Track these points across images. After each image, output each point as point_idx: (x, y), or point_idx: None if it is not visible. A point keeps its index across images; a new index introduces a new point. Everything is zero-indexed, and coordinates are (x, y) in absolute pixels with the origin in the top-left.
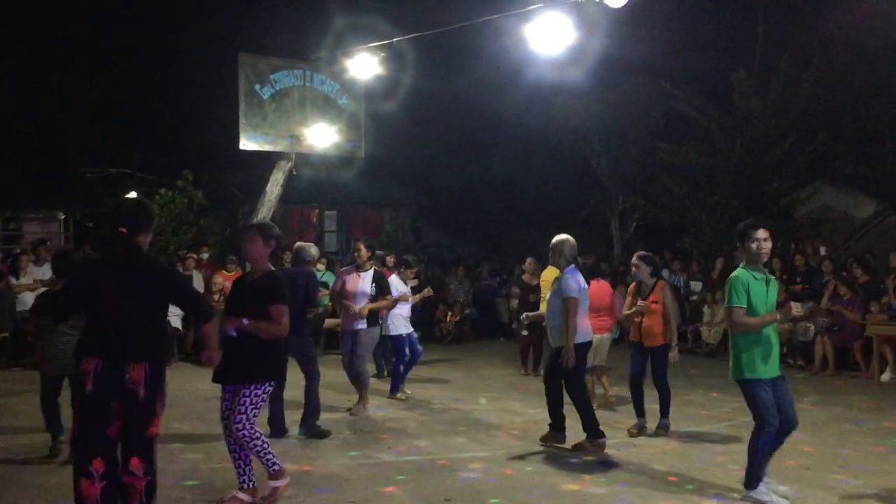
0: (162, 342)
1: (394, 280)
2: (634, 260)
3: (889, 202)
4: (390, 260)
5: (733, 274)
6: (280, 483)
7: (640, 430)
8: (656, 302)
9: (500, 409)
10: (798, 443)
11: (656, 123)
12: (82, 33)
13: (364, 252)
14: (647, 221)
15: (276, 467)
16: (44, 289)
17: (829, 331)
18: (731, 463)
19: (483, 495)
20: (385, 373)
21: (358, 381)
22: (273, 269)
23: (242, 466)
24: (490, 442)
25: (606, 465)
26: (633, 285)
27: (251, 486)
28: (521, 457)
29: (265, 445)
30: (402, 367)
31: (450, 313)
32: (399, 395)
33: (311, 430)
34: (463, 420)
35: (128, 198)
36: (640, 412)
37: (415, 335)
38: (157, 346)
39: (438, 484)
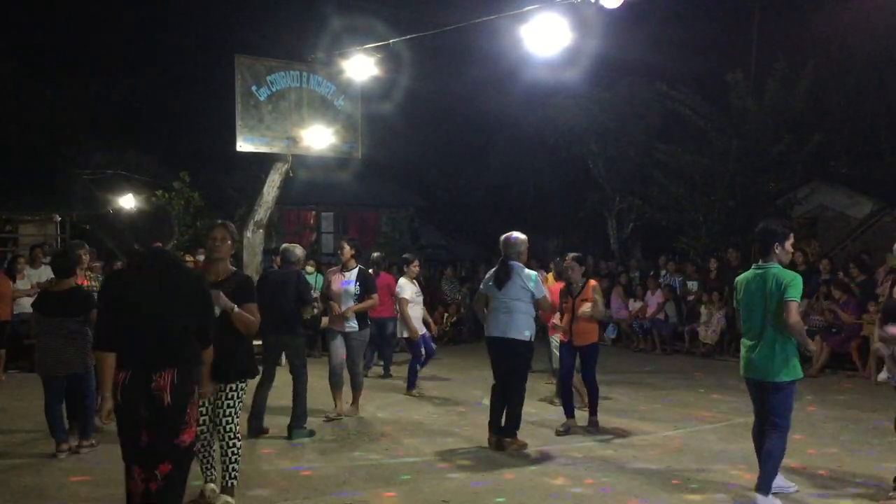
0: (190, 348)
1: (403, 283)
2: (567, 262)
3: (886, 201)
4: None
5: (793, 273)
6: (233, 502)
7: (566, 431)
8: (586, 300)
9: None
10: (797, 443)
11: (653, 124)
12: (79, 35)
13: (347, 250)
14: (644, 222)
15: (235, 481)
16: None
17: (828, 332)
18: (730, 464)
19: (481, 497)
20: (390, 372)
21: (353, 382)
22: (235, 269)
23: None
24: (488, 443)
25: (605, 466)
26: (563, 285)
27: None
28: (519, 458)
29: (240, 450)
30: (418, 366)
31: (446, 314)
32: (415, 392)
33: (300, 433)
34: (461, 421)
35: (148, 210)
36: (570, 413)
37: (428, 335)
38: (185, 351)
39: (436, 485)
